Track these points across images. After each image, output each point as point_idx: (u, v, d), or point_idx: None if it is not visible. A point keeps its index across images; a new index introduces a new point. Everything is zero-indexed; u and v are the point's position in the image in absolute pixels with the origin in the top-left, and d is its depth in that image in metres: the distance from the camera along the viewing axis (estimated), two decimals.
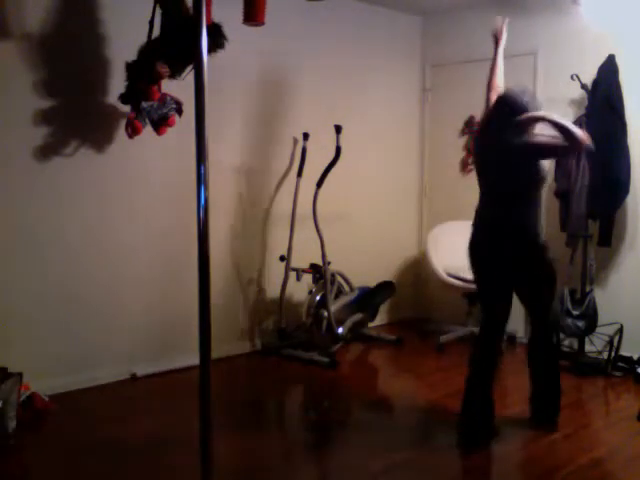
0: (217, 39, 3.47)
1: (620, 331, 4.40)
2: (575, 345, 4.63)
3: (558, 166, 4.65)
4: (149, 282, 4.17)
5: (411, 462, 3.03)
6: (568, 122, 3.04)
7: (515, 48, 5.09)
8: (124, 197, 4.03)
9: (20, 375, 3.30)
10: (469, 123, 5.43)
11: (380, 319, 5.48)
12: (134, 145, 3.80)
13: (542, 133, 3.14)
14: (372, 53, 5.37)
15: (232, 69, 4.29)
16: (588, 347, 4.54)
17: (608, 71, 4.38)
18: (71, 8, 3.72)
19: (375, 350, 5.02)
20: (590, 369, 4.34)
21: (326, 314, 4.54)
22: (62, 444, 3.18)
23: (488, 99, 3.41)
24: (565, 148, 3.09)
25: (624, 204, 4.45)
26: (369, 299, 5.05)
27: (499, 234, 3.19)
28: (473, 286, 4.86)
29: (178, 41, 3.43)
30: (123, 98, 3.63)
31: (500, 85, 3.44)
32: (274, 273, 4.77)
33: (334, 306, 4.64)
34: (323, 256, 4.57)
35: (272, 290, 4.84)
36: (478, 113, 5.29)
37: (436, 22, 5.63)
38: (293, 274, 4.67)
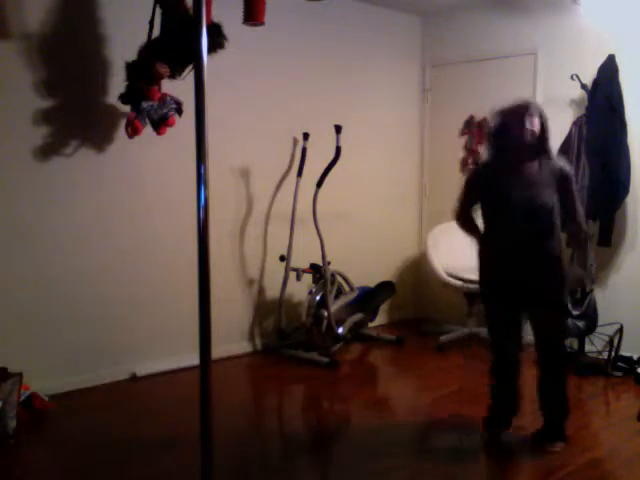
0: (217, 39, 3.47)
1: (620, 331, 4.40)
2: (575, 345, 4.63)
3: None
4: (149, 282, 4.17)
5: (411, 463, 3.03)
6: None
7: (515, 48, 5.12)
8: (124, 197, 4.02)
9: (20, 375, 3.30)
10: (469, 123, 5.43)
11: (380, 319, 5.48)
12: (134, 145, 3.80)
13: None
14: (372, 53, 5.36)
15: (231, 69, 4.29)
16: (588, 347, 4.54)
17: (608, 71, 4.38)
18: (71, 8, 3.72)
19: (375, 350, 5.01)
20: (590, 369, 4.34)
21: (326, 314, 4.54)
22: (62, 444, 3.19)
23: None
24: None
25: (624, 204, 4.45)
26: (369, 299, 5.05)
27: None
28: (473, 286, 4.88)
29: (178, 41, 3.43)
30: (123, 98, 3.63)
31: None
32: (274, 273, 4.77)
33: (334, 306, 4.64)
34: (323, 256, 4.57)
35: (272, 290, 4.84)
36: (478, 113, 5.33)
37: (436, 22, 5.63)
38: (293, 274, 4.67)
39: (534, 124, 2.96)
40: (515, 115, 2.99)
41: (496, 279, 3.17)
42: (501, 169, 3.08)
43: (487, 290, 3.25)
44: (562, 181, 3.04)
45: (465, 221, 3.28)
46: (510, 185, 3.02)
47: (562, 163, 3.13)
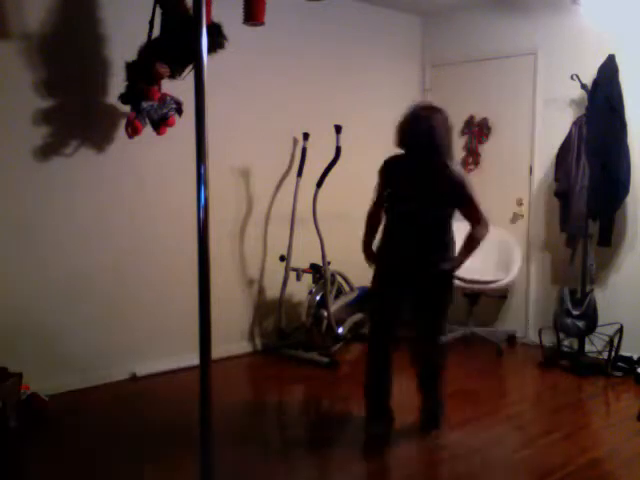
0: (217, 39, 3.47)
1: (620, 331, 4.40)
2: (575, 345, 4.63)
3: (558, 166, 4.66)
4: (149, 282, 4.17)
5: (410, 462, 3.03)
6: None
7: (515, 48, 5.12)
8: (124, 197, 4.02)
9: (20, 375, 3.30)
10: (469, 123, 5.43)
11: None
12: (134, 145, 3.80)
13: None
14: (372, 53, 5.36)
15: (231, 69, 4.29)
16: (588, 347, 4.54)
17: (608, 71, 4.38)
18: (71, 8, 3.72)
19: None
20: (590, 369, 4.34)
21: (326, 314, 4.54)
22: (62, 444, 3.18)
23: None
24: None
25: (624, 204, 4.45)
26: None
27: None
28: (473, 286, 4.88)
29: (178, 41, 3.43)
30: (123, 98, 3.63)
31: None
32: (274, 273, 4.77)
33: (334, 306, 4.64)
34: (323, 256, 4.57)
35: (272, 290, 4.84)
36: (478, 113, 5.33)
37: (436, 22, 5.63)
38: (293, 274, 4.67)
39: (427, 128, 3.05)
40: (414, 117, 3.13)
41: (392, 267, 3.36)
42: (404, 169, 3.21)
43: (382, 278, 3.41)
44: (459, 189, 3.11)
45: (373, 215, 3.49)
46: (407, 189, 3.16)
47: (457, 169, 3.20)
